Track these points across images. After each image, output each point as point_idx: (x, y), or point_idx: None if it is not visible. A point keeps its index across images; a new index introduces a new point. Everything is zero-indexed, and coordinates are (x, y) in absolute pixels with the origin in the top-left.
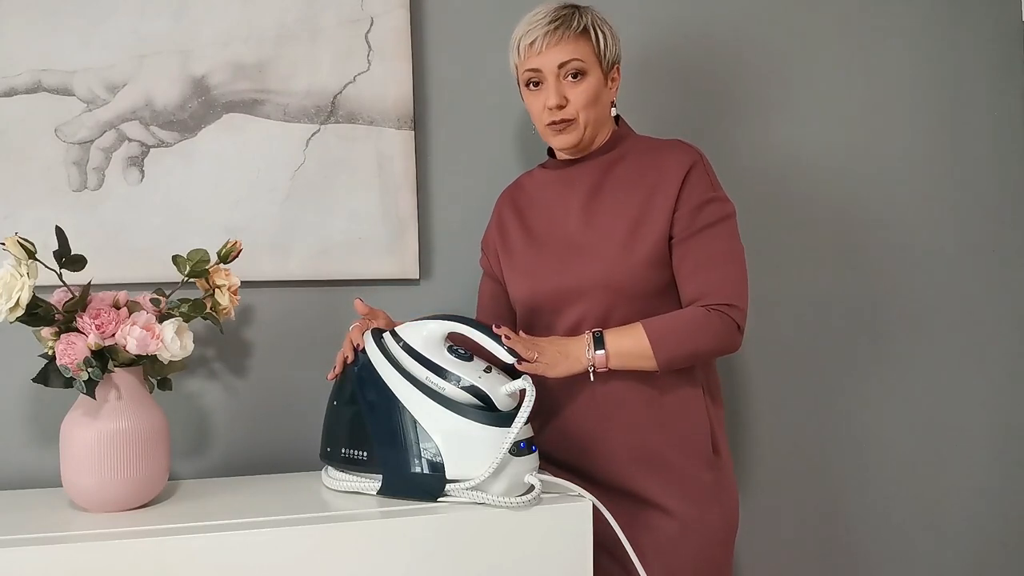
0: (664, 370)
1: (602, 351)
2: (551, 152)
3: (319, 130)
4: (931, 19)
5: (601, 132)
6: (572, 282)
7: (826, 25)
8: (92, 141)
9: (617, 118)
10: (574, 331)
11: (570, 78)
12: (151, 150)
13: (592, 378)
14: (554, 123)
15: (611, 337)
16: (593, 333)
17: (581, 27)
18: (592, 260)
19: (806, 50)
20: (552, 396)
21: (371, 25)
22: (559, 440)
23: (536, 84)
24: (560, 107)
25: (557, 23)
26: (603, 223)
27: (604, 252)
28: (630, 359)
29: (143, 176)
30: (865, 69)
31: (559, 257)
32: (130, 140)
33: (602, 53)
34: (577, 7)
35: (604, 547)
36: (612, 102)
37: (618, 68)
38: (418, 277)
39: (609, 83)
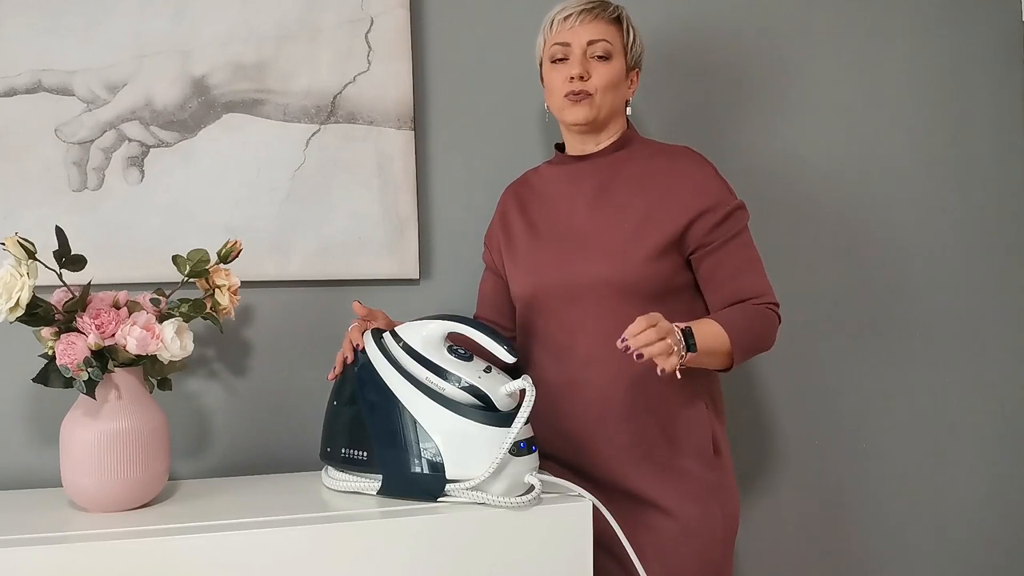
0: (731, 369)
1: (694, 353)
2: (559, 148)
3: (319, 130)
4: (931, 19)
5: (612, 126)
6: (575, 277)
7: (826, 25)
8: (92, 141)
9: (627, 121)
10: (577, 328)
11: (596, 58)
12: (151, 150)
13: (678, 375)
14: (572, 94)
15: (699, 337)
16: (683, 331)
17: (616, 15)
18: (596, 255)
19: (806, 51)
20: (554, 395)
21: (371, 25)
22: (560, 439)
23: (562, 59)
24: (582, 78)
25: (594, 5)
26: (609, 220)
27: (608, 248)
28: (708, 358)
29: (143, 176)
30: (865, 70)
31: (562, 252)
32: (130, 140)
33: (628, 46)
34: (612, 1)
35: (604, 547)
36: (627, 101)
37: (638, 72)
38: (418, 277)
39: (628, 81)
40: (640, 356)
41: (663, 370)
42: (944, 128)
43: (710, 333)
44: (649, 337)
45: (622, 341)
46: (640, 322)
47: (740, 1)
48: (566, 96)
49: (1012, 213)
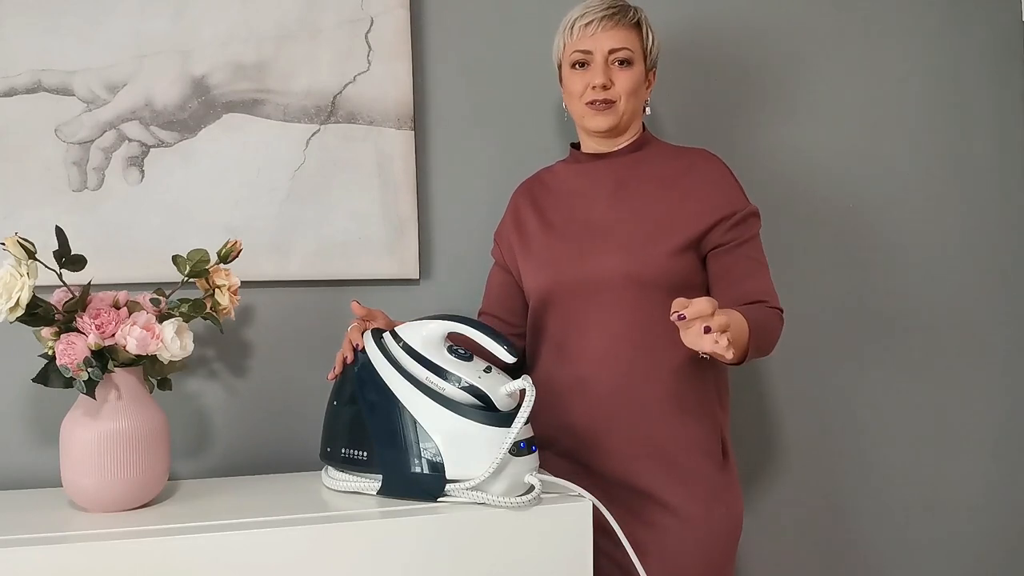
0: (738, 363)
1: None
2: (575, 146)
3: (319, 130)
4: (932, 19)
5: (631, 128)
6: (592, 270)
7: (827, 26)
8: (92, 141)
9: (643, 123)
10: (591, 324)
11: (617, 64)
12: (151, 150)
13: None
14: (594, 103)
15: (733, 331)
16: None
17: (635, 20)
18: (614, 249)
19: (806, 51)
20: (563, 391)
21: (371, 25)
22: (568, 435)
23: (583, 65)
24: (605, 87)
25: (614, 11)
26: (628, 216)
27: (627, 242)
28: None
29: (143, 176)
30: (865, 70)
31: (579, 246)
32: (130, 140)
33: (648, 50)
34: (631, 4)
35: (603, 550)
36: (646, 101)
37: (654, 72)
38: (418, 277)
39: (646, 82)
40: (708, 329)
41: (721, 350)
42: (944, 128)
43: (738, 324)
44: (703, 308)
45: (678, 317)
46: (703, 303)
47: (740, 3)
48: (588, 105)
49: (1013, 213)
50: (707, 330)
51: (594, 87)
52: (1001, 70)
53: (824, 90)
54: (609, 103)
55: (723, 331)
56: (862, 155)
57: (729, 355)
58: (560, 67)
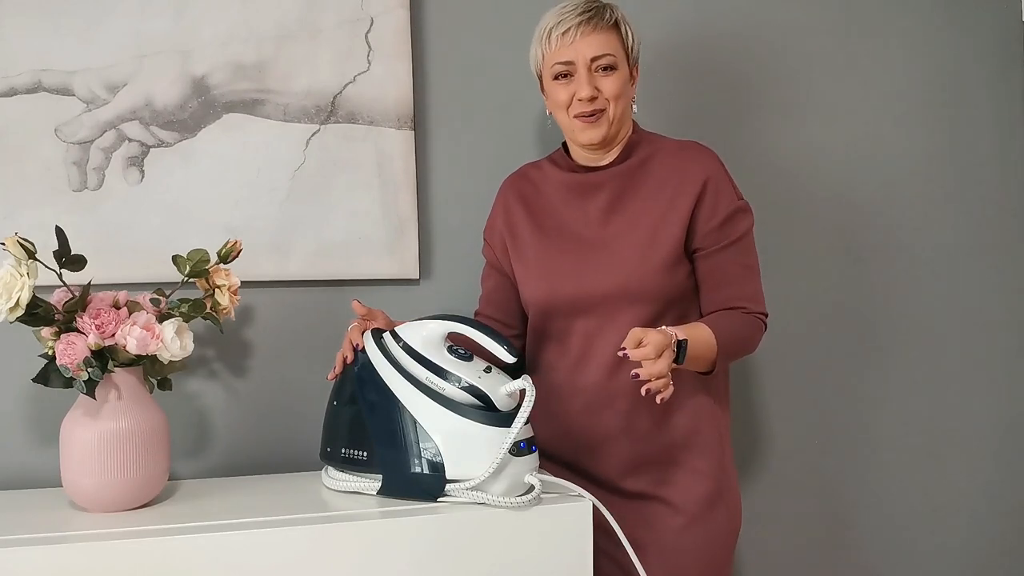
0: (713, 375)
1: (680, 364)
2: (564, 147)
3: (319, 130)
4: (931, 20)
5: (621, 131)
6: (590, 287)
7: (825, 26)
8: (92, 141)
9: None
10: (593, 334)
11: (601, 71)
12: (151, 150)
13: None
14: (584, 115)
15: (691, 348)
16: (679, 343)
17: (613, 20)
18: (611, 266)
19: (805, 51)
20: (561, 393)
21: (371, 25)
22: (567, 440)
23: (565, 76)
24: (593, 99)
25: (591, 14)
26: (622, 230)
27: (623, 258)
28: (693, 364)
29: (143, 176)
30: (864, 70)
31: (576, 261)
32: (130, 140)
33: (629, 49)
34: (605, 3)
35: (604, 550)
36: (632, 99)
37: (637, 67)
38: (418, 277)
39: (631, 80)
40: (636, 376)
41: (657, 394)
42: (943, 128)
43: (702, 341)
44: (648, 353)
45: (622, 351)
46: (649, 348)
47: (740, 3)
48: (577, 117)
49: (1013, 213)
50: (635, 376)
51: (581, 99)
52: (1001, 70)
53: (823, 90)
54: (599, 112)
55: (657, 377)
56: (861, 155)
57: (658, 400)
58: (540, 76)
